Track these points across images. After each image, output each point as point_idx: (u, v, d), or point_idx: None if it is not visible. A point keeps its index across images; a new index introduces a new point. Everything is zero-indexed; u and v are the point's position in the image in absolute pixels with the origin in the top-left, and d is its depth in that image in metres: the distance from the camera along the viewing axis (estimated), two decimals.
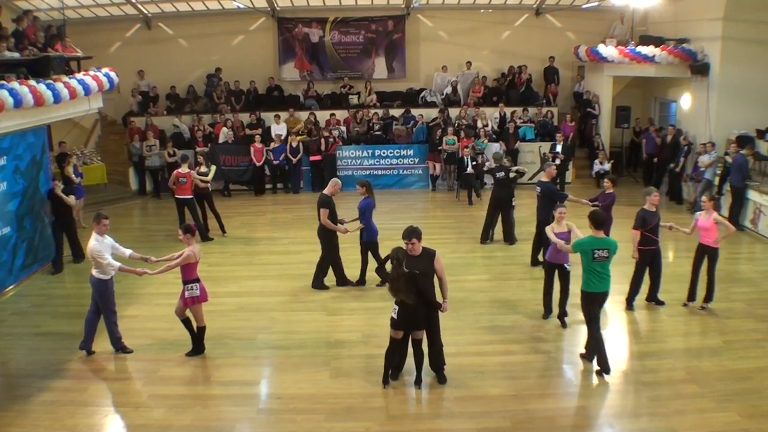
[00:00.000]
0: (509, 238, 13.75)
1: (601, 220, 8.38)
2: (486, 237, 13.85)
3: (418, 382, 8.08)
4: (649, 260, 10.27)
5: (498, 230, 13.85)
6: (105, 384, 8.46)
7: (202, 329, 9.04)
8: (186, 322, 9.07)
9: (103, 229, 8.87)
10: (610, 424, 7.42)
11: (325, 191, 11.34)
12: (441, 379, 8.25)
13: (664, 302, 10.49)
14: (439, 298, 8.02)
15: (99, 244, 8.77)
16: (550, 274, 9.95)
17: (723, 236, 10.14)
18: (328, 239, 11.28)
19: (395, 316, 7.74)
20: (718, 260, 10.23)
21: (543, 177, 12.23)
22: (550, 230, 9.63)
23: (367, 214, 11.14)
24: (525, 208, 13.92)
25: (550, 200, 11.61)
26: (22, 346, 9.68)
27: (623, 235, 11.87)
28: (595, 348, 8.42)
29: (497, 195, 13.56)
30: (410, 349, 8.06)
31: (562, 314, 9.83)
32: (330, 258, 11.42)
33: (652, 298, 10.56)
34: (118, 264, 8.87)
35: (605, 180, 12.09)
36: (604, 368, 8.27)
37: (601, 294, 8.37)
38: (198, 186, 14.14)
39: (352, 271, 11.51)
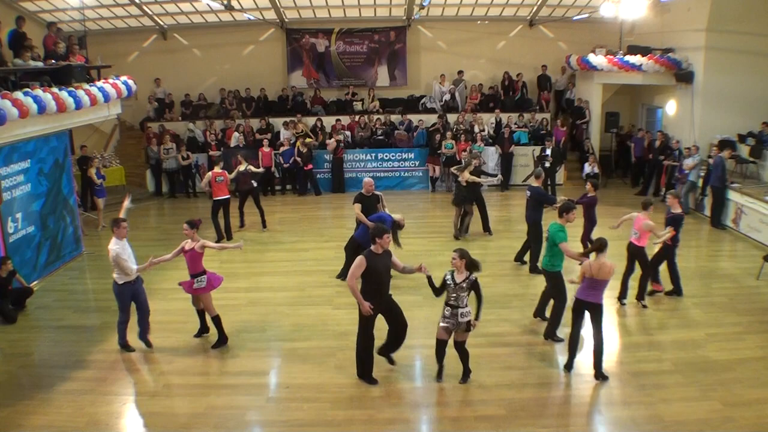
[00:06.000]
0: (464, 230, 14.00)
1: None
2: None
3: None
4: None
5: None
6: (124, 374, 8.46)
7: (214, 319, 9.02)
8: (200, 313, 9.16)
9: (122, 232, 8.68)
10: (599, 412, 7.41)
11: (362, 190, 11.57)
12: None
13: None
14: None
15: (119, 248, 8.61)
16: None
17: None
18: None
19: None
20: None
21: (533, 181, 12.12)
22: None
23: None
24: (516, 208, 13.85)
25: (538, 203, 11.59)
26: (45, 339, 9.74)
27: (605, 233, 11.82)
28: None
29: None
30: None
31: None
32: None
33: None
34: (135, 266, 8.73)
35: (587, 183, 12.17)
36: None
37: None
38: (248, 181, 14.71)
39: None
